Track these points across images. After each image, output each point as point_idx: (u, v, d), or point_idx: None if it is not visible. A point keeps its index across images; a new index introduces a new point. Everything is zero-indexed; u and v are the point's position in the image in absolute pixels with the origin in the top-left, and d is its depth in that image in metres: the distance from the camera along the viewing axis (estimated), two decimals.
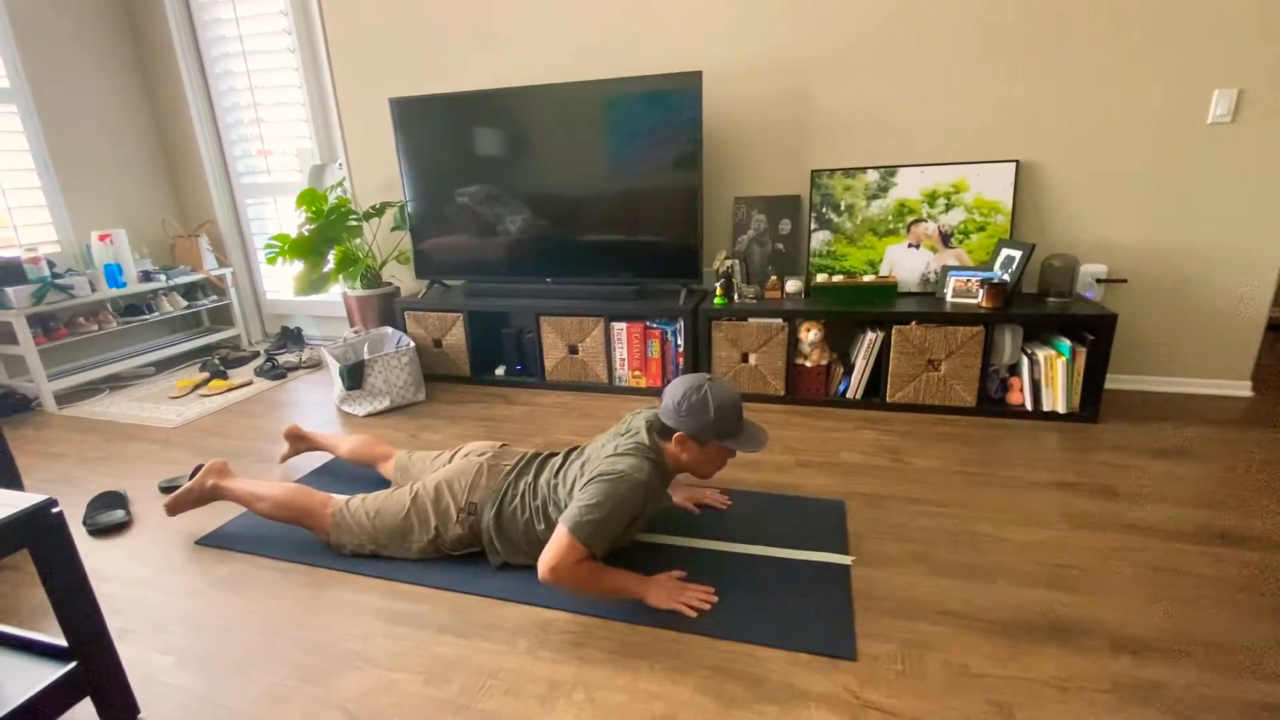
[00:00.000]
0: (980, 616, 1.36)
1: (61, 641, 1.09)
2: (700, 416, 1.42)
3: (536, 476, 1.58)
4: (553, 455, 1.65)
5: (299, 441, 2.14)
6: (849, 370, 2.53)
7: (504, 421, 2.55)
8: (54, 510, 1.04)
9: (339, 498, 1.69)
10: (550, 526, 1.48)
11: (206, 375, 3.19)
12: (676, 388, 1.47)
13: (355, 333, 2.96)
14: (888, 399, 2.45)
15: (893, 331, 2.37)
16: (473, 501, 1.57)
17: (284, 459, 2.17)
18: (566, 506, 1.40)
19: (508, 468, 1.62)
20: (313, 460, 2.22)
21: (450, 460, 1.75)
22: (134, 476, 2.20)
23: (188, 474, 2.07)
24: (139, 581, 1.62)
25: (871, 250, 2.65)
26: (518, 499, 1.54)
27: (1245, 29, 2.15)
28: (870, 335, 2.44)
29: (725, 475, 2.00)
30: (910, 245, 2.60)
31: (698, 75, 2.46)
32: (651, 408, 1.58)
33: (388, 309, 3.16)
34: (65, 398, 3.00)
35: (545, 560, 1.32)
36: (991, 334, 2.30)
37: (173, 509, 1.79)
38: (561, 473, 1.54)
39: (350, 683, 1.26)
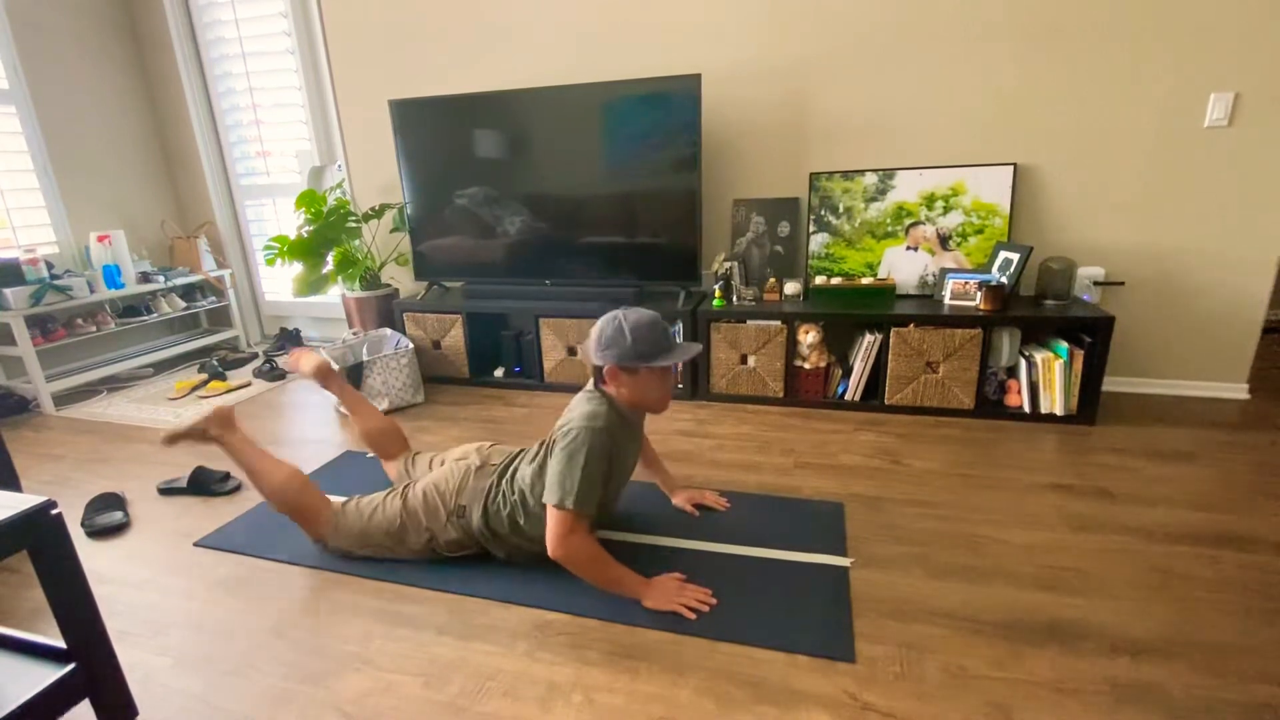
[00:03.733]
0: (978, 618, 1.36)
1: (60, 643, 1.08)
2: (619, 344, 1.42)
3: (515, 471, 1.58)
4: (527, 449, 1.65)
5: (330, 379, 1.99)
6: (847, 372, 2.53)
7: (503, 423, 2.55)
8: (53, 512, 1.04)
9: (336, 500, 1.69)
10: (531, 517, 1.50)
11: (205, 377, 3.19)
12: (595, 327, 1.47)
13: (354, 334, 2.96)
14: (886, 401, 2.46)
15: (891, 334, 2.37)
16: (461, 504, 1.58)
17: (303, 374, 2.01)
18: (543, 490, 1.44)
19: (494, 468, 1.63)
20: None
21: (443, 464, 1.76)
22: (132, 478, 2.19)
23: (186, 475, 2.07)
24: (137, 583, 1.62)
25: (870, 253, 2.65)
26: (499, 495, 1.55)
27: (1242, 33, 2.16)
28: (869, 337, 2.44)
29: (723, 478, 2.00)
30: (908, 248, 2.60)
31: (697, 78, 2.47)
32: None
33: (386, 310, 3.16)
34: (63, 399, 3.00)
35: (548, 539, 1.40)
36: (989, 336, 2.30)
37: (170, 440, 1.67)
38: (534, 461, 1.55)
39: (349, 684, 1.26)
